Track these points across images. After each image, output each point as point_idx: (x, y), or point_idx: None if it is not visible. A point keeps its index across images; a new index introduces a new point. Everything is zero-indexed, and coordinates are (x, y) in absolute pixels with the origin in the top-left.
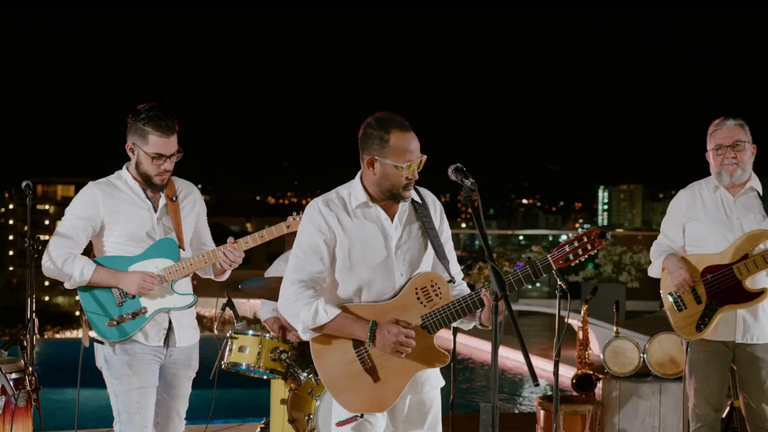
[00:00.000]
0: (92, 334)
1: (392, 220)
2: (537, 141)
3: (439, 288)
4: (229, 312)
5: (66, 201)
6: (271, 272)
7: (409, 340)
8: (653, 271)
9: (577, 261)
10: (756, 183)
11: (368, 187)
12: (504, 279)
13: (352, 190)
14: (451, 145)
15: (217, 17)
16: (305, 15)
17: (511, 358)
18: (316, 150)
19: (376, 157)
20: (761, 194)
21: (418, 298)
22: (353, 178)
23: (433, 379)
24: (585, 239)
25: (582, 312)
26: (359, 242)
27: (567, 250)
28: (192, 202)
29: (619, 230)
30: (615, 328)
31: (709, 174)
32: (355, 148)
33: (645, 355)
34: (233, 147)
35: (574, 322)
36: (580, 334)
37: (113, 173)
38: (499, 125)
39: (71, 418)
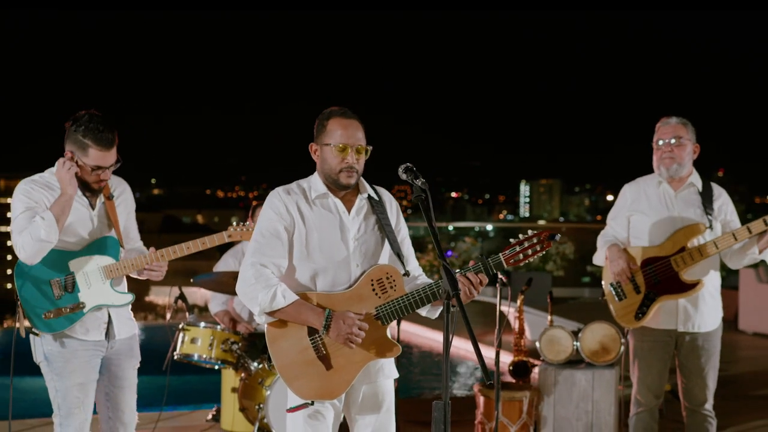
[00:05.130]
0: (27, 324)
1: (349, 213)
2: (464, 138)
3: (394, 280)
4: (181, 303)
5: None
6: (219, 267)
7: (361, 332)
8: (598, 259)
9: (527, 261)
10: (696, 179)
11: (322, 179)
12: (456, 277)
13: (312, 183)
14: (390, 145)
15: (166, 23)
16: (248, 17)
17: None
18: (261, 149)
19: (317, 144)
20: (700, 190)
21: (373, 290)
22: (294, 174)
23: (386, 369)
24: (534, 240)
25: (518, 302)
26: (317, 230)
27: (517, 250)
28: (125, 200)
29: (542, 221)
30: (549, 318)
31: (625, 169)
32: (296, 147)
33: (578, 344)
34: (186, 145)
35: (508, 309)
36: (516, 323)
37: (44, 171)
38: (434, 124)
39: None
